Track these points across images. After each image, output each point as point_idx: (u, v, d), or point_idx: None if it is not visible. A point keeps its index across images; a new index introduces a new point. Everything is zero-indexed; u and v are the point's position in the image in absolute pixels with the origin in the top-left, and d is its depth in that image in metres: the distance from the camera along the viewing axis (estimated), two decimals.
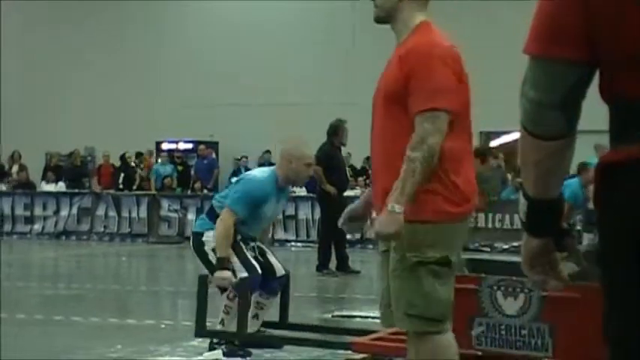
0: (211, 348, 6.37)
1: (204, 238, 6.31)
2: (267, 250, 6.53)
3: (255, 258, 6.32)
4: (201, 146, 22.00)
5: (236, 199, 6.11)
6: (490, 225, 15.88)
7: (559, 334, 4.27)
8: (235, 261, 6.14)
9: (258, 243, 6.51)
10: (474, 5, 20.13)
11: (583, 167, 11.38)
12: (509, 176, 17.33)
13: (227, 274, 6.05)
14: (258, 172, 6.43)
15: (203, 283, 6.07)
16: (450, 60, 3.61)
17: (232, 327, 6.28)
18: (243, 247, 6.27)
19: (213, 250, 6.17)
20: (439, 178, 3.54)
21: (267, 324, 6.49)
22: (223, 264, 6.05)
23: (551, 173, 2.05)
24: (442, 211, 3.55)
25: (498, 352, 4.40)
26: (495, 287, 4.41)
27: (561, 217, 2.13)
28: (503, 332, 4.37)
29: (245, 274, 6.14)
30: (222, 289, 6.20)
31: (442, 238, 3.57)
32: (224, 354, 6.26)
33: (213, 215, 6.32)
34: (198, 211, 18.70)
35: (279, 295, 6.45)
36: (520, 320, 4.35)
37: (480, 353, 4.42)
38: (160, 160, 22.04)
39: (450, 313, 3.62)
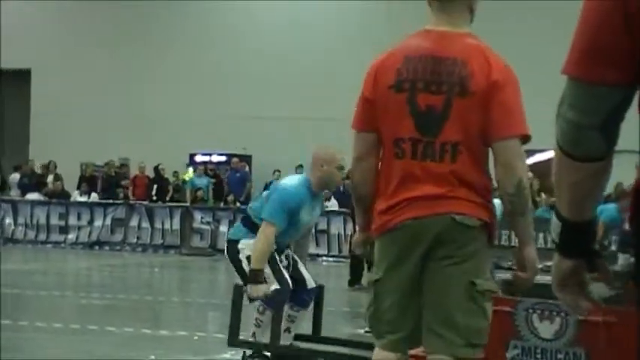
0: None
1: (239, 246, 6.29)
2: (298, 260, 6.54)
3: (287, 268, 6.36)
4: (235, 159, 22.11)
5: (273, 211, 6.10)
6: None
7: (595, 358, 4.21)
8: (268, 272, 6.17)
9: (292, 253, 6.55)
10: (508, 17, 20.11)
11: (622, 193, 11.22)
12: (543, 195, 17.27)
13: (263, 287, 6.08)
14: (290, 180, 6.40)
15: (238, 293, 6.08)
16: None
17: (264, 340, 6.34)
18: (277, 258, 6.31)
19: (247, 258, 6.19)
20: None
21: (299, 337, 6.53)
22: (258, 277, 6.06)
23: (587, 195, 2.03)
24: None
25: None
26: (531, 310, 4.35)
27: (594, 238, 2.12)
28: (538, 356, 4.31)
29: (277, 287, 6.17)
30: (252, 299, 6.21)
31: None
32: None
33: (248, 223, 6.31)
34: (231, 224, 18.77)
35: (310, 308, 6.49)
36: (556, 344, 4.28)
37: None
38: (192, 172, 22.19)
39: None
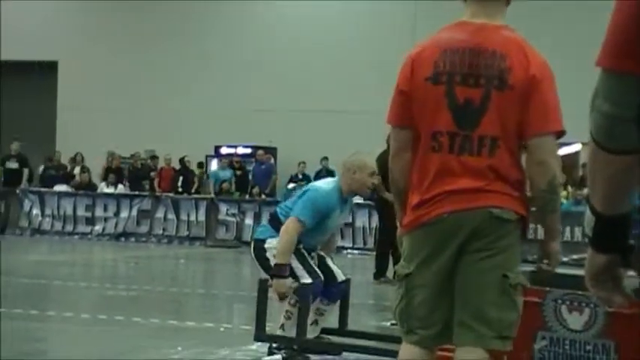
0: (270, 353, 6.44)
1: (266, 245, 6.33)
2: (325, 256, 6.57)
3: (317, 261, 6.39)
4: (260, 151, 22.15)
5: (304, 210, 6.13)
6: None
7: (625, 351, 4.16)
8: (298, 266, 6.19)
9: (319, 252, 6.56)
10: (534, 8, 19.99)
11: None
12: (569, 189, 17.19)
13: (287, 282, 6.09)
14: (324, 184, 6.44)
15: (263, 287, 6.13)
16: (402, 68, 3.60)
17: (292, 332, 6.35)
18: (305, 253, 6.32)
19: (275, 256, 6.22)
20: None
21: (326, 330, 6.54)
22: (283, 271, 6.08)
23: (622, 189, 2.01)
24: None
25: None
26: (560, 301, 4.32)
27: (629, 233, 2.09)
28: (567, 347, 4.28)
29: (308, 280, 6.19)
30: (281, 297, 6.24)
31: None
32: (283, 359, 6.32)
33: (276, 223, 6.34)
34: (256, 216, 18.89)
35: (338, 302, 6.50)
36: (585, 335, 4.25)
37: None
38: (218, 165, 22.28)
39: None
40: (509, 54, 3.43)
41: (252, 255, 6.54)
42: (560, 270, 4.48)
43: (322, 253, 6.56)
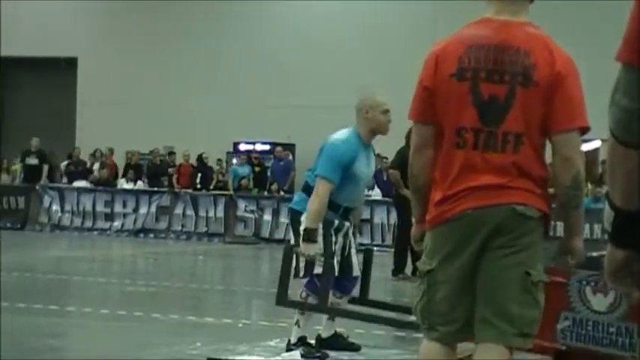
0: (289, 349, 6.42)
1: (302, 218, 6.08)
2: (353, 246, 6.37)
3: (340, 249, 6.19)
4: (279, 148, 22.15)
5: (326, 167, 5.94)
6: None
7: None
8: (320, 242, 6.00)
9: (350, 231, 6.33)
10: (560, 6, 19.91)
11: None
12: (589, 185, 17.12)
13: (315, 246, 5.92)
14: (339, 135, 6.20)
15: (288, 253, 5.96)
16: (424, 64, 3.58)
17: (308, 328, 6.35)
18: (333, 239, 6.12)
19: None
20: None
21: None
22: (312, 236, 5.89)
23: None
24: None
25: (583, 348, 4.27)
26: (585, 282, 4.28)
27: None
28: (590, 328, 4.24)
29: (319, 270, 6.03)
30: (300, 268, 6.04)
31: None
32: (302, 355, 6.31)
33: (308, 189, 6.12)
34: (274, 213, 18.91)
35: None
36: (609, 317, 4.21)
37: (563, 348, 4.30)
38: (236, 161, 22.32)
39: None
40: (533, 50, 3.42)
41: (289, 222, 6.36)
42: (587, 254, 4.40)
43: (351, 240, 6.34)
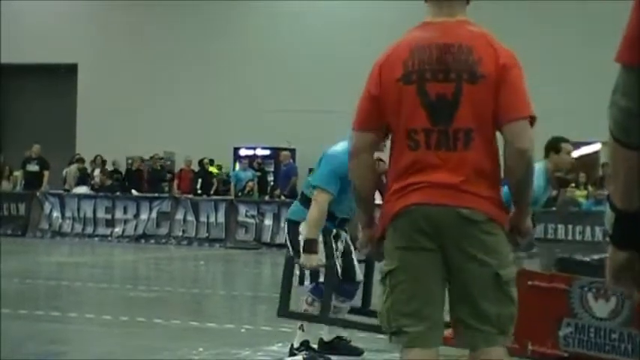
0: (291, 354, 6.43)
1: (300, 229, 6.19)
2: (352, 250, 6.44)
3: (342, 254, 6.28)
4: (285, 152, 22.12)
5: (325, 178, 6.03)
6: (570, 237, 15.65)
7: None
8: (322, 250, 6.08)
9: (348, 237, 6.41)
10: (548, 16, 19.96)
11: None
12: (590, 188, 17.11)
13: (316, 257, 5.96)
14: (338, 147, 6.28)
15: (290, 264, 6.01)
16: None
17: (311, 332, 6.36)
18: (334, 245, 6.21)
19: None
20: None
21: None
22: (312, 247, 5.95)
23: None
24: None
25: (585, 355, 4.27)
26: (587, 288, 4.29)
27: None
28: (592, 334, 4.25)
29: (321, 279, 6.10)
30: (306, 276, 6.11)
31: None
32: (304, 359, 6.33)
33: (306, 201, 6.22)
34: (275, 217, 18.90)
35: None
36: (611, 324, 4.22)
37: (565, 354, 4.31)
38: (239, 165, 22.34)
39: None
40: (476, 46, 3.46)
41: (286, 234, 6.41)
42: (588, 258, 4.39)
43: (350, 245, 6.39)
